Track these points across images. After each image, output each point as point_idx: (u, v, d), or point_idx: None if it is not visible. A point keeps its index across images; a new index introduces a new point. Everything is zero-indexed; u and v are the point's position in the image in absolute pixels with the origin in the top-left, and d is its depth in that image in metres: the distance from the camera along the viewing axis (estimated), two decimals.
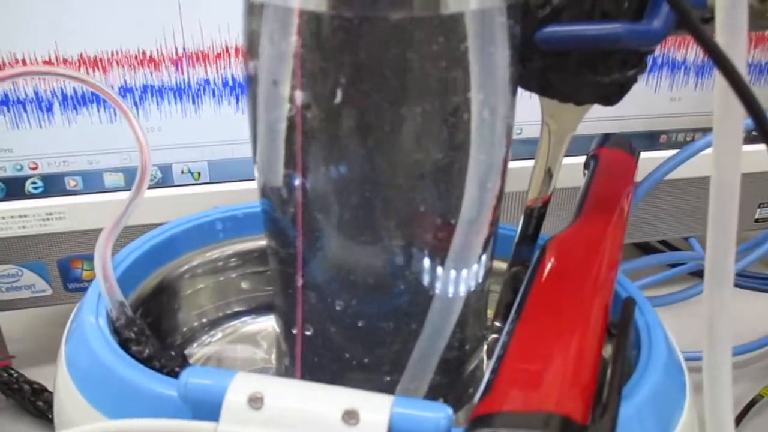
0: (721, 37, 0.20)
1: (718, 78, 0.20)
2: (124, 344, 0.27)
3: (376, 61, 0.21)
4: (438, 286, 0.26)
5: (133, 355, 0.27)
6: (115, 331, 0.28)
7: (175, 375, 0.25)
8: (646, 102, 0.51)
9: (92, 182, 0.44)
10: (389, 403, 0.21)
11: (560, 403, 0.21)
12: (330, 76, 0.22)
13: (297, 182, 0.24)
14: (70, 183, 0.44)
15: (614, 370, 0.24)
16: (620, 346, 0.24)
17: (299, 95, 0.22)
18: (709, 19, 0.22)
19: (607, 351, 0.26)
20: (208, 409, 0.21)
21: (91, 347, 0.26)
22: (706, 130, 0.53)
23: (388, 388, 0.27)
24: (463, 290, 0.27)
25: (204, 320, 0.36)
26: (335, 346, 0.27)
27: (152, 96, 0.43)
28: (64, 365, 0.27)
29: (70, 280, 0.46)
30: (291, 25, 0.22)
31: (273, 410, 0.21)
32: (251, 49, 0.23)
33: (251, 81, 0.24)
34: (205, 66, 0.43)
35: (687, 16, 0.20)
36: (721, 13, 0.20)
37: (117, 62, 0.41)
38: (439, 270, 0.26)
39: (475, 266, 0.27)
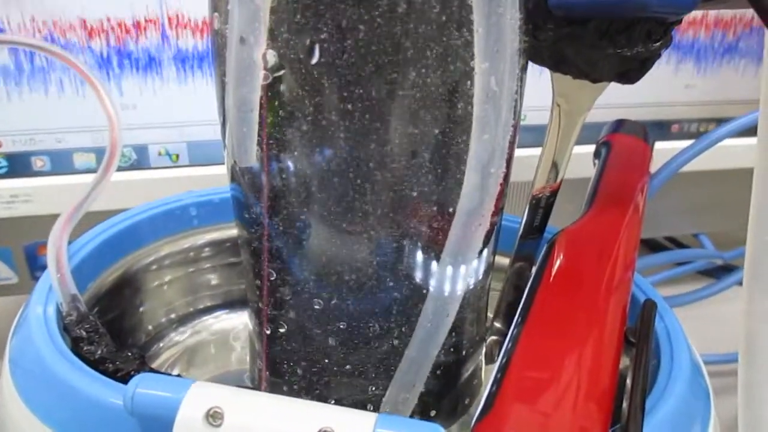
0: None
1: None
2: (75, 344, 0.24)
3: (363, 16, 0.18)
4: (432, 284, 0.23)
5: (83, 357, 0.23)
6: (65, 329, 0.24)
7: (130, 379, 0.21)
8: (658, 88, 0.48)
9: (61, 163, 0.41)
10: (371, 422, 0.18)
11: (574, 424, 0.18)
12: (310, 35, 0.18)
13: (270, 162, 0.21)
14: (37, 163, 0.41)
15: (635, 384, 0.20)
16: (641, 356, 0.21)
17: (274, 58, 0.19)
18: None
19: (624, 361, 0.23)
20: (159, 424, 0.18)
21: (34, 346, 0.23)
22: (721, 120, 0.50)
23: (374, 399, 0.24)
24: (460, 289, 0.23)
25: (172, 316, 0.33)
26: (313, 350, 0.24)
27: (128, 70, 0.40)
28: (7, 364, 0.24)
29: (38, 267, 0.43)
30: None
31: (234, 428, 0.18)
32: (216, 9, 0.20)
33: (218, 46, 0.21)
34: (187, 38, 0.40)
35: None
36: None
37: (88, 31, 0.38)
38: (434, 266, 0.22)
39: (474, 262, 0.23)
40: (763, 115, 0.17)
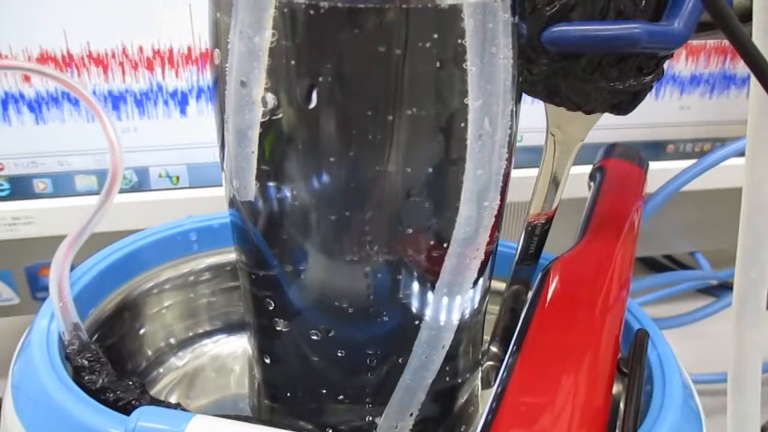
0: (759, 39, 0.17)
1: (755, 85, 0.18)
2: (76, 373, 0.24)
3: (361, 60, 0.19)
4: (427, 313, 0.23)
5: (84, 386, 0.24)
6: (67, 358, 0.25)
7: (131, 409, 0.22)
8: (654, 110, 0.49)
9: (63, 185, 0.41)
10: None
11: None
12: (308, 76, 0.19)
13: (269, 195, 0.21)
14: (39, 186, 0.41)
15: (627, 415, 0.21)
16: (633, 388, 0.22)
17: (273, 98, 0.20)
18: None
19: (617, 386, 0.23)
20: None
21: (36, 374, 0.23)
22: (717, 141, 0.50)
23: (372, 427, 0.25)
24: (454, 319, 0.24)
25: (172, 341, 0.33)
26: (311, 378, 0.24)
27: (129, 94, 0.40)
28: (10, 389, 0.25)
29: (39, 289, 0.43)
30: (265, 18, 0.19)
31: None
32: (217, 45, 0.21)
33: (217, 81, 0.21)
34: (186, 64, 0.40)
35: (721, 12, 0.17)
36: (761, 13, 0.17)
37: (91, 58, 0.39)
38: (428, 297, 0.23)
39: (469, 292, 0.24)
40: (749, 160, 0.18)
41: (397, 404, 0.24)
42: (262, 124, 0.20)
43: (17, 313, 0.44)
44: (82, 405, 0.22)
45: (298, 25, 0.19)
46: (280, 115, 0.20)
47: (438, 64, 0.19)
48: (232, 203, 0.24)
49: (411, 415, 0.24)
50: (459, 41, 0.19)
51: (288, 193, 0.21)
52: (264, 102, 0.20)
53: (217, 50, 0.21)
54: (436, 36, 0.19)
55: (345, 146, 0.20)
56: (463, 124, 0.20)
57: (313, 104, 0.19)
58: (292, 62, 0.19)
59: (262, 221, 0.22)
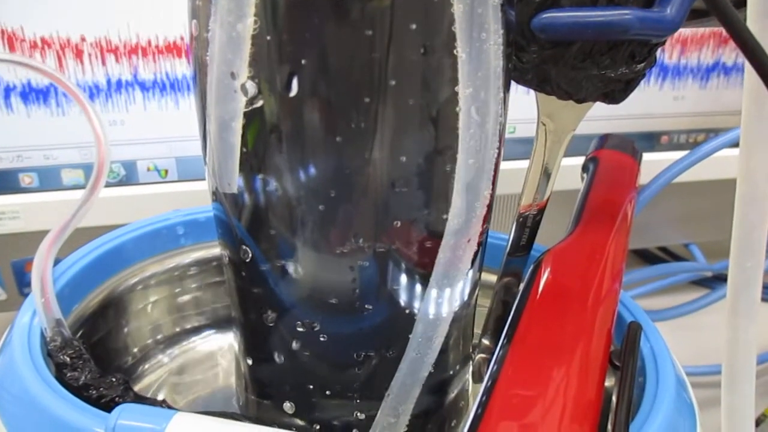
0: (754, 24, 0.17)
1: (749, 73, 0.17)
2: (59, 370, 0.24)
3: (347, 46, 0.18)
4: (420, 307, 0.23)
5: (67, 383, 0.23)
6: (49, 354, 0.24)
7: (114, 406, 0.21)
8: (647, 100, 0.48)
9: (49, 179, 0.41)
10: None
11: None
12: (292, 63, 0.18)
13: (252, 187, 0.21)
14: (25, 180, 0.40)
15: (619, 409, 0.20)
16: (625, 381, 0.21)
17: (254, 87, 0.19)
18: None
19: (609, 379, 0.23)
20: None
21: (18, 372, 0.23)
22: (711, 131, 0.50)
23: (360, 423, 0.24)
24: (449, 310, 0.23)
25: (158, 337, 0.33)
26: (298, 373, 0.24)
27: (116, 87, 0.39)
28: None
29: (25, 284, 0.43)
30: (247, 4, 0.19)
31: None
32: (197, 32, 0.20)
33: (198, 70, 0.21)
34: (174, 54, 0.40)
35: None
36: None
37: (77, 48, 0.38)
38: (421, 289, 0.22)
39: (462, 282, 0.23)
40: (743, 150, 0.17)
41: (393, 399, 0.23)
42: (245, 114, 0.20)
43: (4, 309, 0.43)
44: (64, 402, 0.21)
45: (280, 10, 0.18)
46: (263, 105, 0.19)
47: (425, 51, 0.18)
48: (215, 196, 0.23)
49: (405, 409, 0.24)
50: (448, 28, 0.18)
51: (272, 185, 0.20)
52: (244, 90, 0.19)
53: (196, 38, 0.21)
54: (423, 22, 0.18)
55: (330, 136, 0.19)
56: (451, 113, 0.20)
57: (297, 92, 0.19)
58: (275, 49, 0.18)
59: (246, 214, 0.22)
